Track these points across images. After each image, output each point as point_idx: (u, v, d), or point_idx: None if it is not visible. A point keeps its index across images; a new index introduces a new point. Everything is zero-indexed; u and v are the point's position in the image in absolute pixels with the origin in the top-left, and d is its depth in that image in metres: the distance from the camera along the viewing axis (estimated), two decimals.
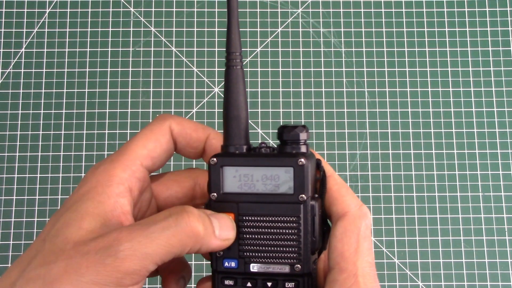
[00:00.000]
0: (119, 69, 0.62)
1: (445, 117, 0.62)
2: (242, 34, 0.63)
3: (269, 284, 0.29)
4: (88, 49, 0.63)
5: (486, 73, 0.63)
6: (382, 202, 0.60)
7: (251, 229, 0.29)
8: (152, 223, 0.25)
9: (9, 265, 0.57)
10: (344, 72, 0.63)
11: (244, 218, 0.29)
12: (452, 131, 0.62)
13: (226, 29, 0.30)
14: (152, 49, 0.63)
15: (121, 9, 0.64)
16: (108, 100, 0.62)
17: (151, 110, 0.62)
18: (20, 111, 0.61)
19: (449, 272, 0.58)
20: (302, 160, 0.28)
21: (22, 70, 0.62)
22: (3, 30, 0.63)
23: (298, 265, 0.29)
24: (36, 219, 0.59)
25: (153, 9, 0.64)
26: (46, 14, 0.63)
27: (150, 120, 0.61)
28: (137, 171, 0.29)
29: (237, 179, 0.29)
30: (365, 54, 0.63)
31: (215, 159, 0.29)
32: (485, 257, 0.59)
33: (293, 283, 0.29)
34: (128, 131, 0.61)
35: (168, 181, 0.32)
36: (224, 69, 0.31)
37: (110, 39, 0.63)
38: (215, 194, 0.29)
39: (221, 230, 0.27)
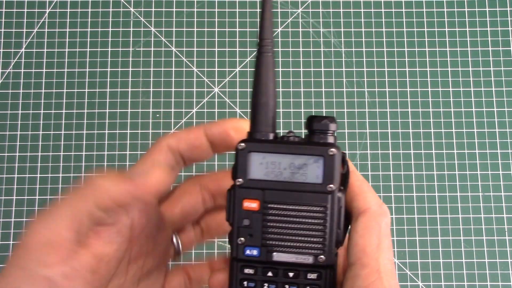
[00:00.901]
0: (119, 69, 0.62)
1: (445, 117, 0.62)
2: (242, 34, 0.63)
3: (291, 274, 0.29)
4: (88, 49, 0.63)
5: (486, 73, 0.63)
6: None
7: (276, 217, 0.28)
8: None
9: None
10: (344, 72, 0.63)
11: (269, 205, 0.28)
12: (452, 131, 0.62)
13: (259, 19, 0.30)
14: (152, 49, 0.63)
15: (121, 9, 0.64)
16: (108, 100, 0.62)
17: (151, 110, 0.62)
18: (20, 111, 0.61)
19: (449, 272, 0.58)
20: (334, 150, 0.28)
21: (22, 70, 0.62)
22: (3, 30, 0.63)
23: (322, 256, 0.28)
24: None
25: (153, 9, 0.64)
26: (46, 14, 0.63)
27: (150, 120, 0.61)
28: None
29: (264, 166, 0.28)
30: (365, 54, 0.63)
31: (243, 144, 0.28)
32: (485, 257, 0.59)
33: (315, 274, 0.28)
34: (128, 131, 0.61)
35: (175, 194, 0.32)
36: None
37: (110, 39, 0.63)
38: (241, 179, 0.28)
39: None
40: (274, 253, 0.28)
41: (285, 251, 0.28)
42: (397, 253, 0.59)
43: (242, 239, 0.29)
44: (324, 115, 0.29)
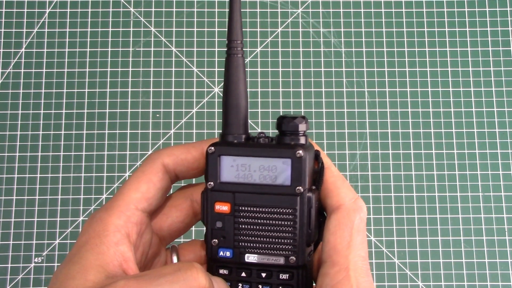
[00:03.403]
0: (119, 69, 0.62)
1: (445, 117, 0.62)
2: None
3: (263, 275, 0.29)
4: (88, 49, 0.63)
5: (486, 73, 0.63)
6: (382, 202, 0.60)
7: (247, 220, 0.29)
8: (160, 275, 0.25)
9: (9, 265, 0.58)
10: (344, 72, 0.63)
11: (240, 208, 0.29)
12: (452, 131, 0.62)
13: (227, 20, 0.30)
14: (152, 49, 0.63)
15: (121, 9, 0.64)
16: (108, 100, 0.62)
17: (151, 110, 0.62)
18: (20, 111, 0.61)
19: (449, 272, 0.58)
20: (300, 152, 0.28)
21: (22, 70, 0.62)
22: (3, 30, 0.63)
23: (293, 257, 0.28)
24: (36, 219, 0.59)
25: (153, 9, 0.64)
26: (46, 14, 0.63)
27: (150, 120, 0.61)
28: (132, 215, 0.28)
29: (235, 168, 0.29)
30: (365, 54, 0.63)
31: (213, 148, 0.29)
32: (485, 257, 0.59)
33: (287, 275, 0.29)
34: (128, 131, 0.61)
35: (166, 209, 0.32)
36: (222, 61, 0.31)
37: (110, 39, 0.63)
38: (211, 183, 0.29)
39: None
40: (246, 255, 0.29)
41: (256, 252, 0.29)
42: (397, 253, 0.59)
43: (216, 240, 0.29)
44: (295, 115, 0.29)
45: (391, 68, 0.63)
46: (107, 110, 0.62)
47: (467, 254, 0.59)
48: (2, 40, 0.63)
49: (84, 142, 0.61)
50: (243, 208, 0.29)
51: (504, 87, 0.63)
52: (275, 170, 0.28)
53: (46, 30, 0.63)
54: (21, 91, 0.62)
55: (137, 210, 0.29)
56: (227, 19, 0.30)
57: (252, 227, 0.29)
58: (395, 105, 0.62)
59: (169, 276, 0.25)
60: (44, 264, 0.58)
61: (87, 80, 0.62)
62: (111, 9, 0.64)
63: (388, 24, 0.64)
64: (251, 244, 0.29)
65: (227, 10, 0.65)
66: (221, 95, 0.62)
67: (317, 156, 0.29)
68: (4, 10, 0.63)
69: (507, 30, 0.64)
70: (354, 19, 0.64)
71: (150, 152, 0.61)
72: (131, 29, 0.63)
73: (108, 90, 0.62)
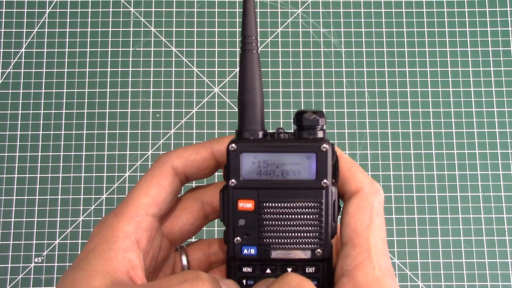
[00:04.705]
0: (119, 69, 0.62)
1: (445, 117, 0.62)
2: None
3: (289, 269, 0.29)
4: (88, 49, 0.63)
5: (486, 73, 0.63)
6: None
7: (272, 216, 0.29)
8: (166, 287, 0.25)
9: (9, 265, 0.58)
10: (344, 72, 0.63)
11: (264, 204, 0.29)
12: (452, 131, 0.62)
13: (242, 16, 0.30)
14: (152, 49, 0.63)
15: (121, 9, 0.64)
16: (108, 100, 0.62)
17: (151, 110, 0.62)
18: (20, 111, 0.61)
19: (449, 272, 0.58)
20: (326, 146, 0.28)
21: (22, 70, 0.62)
22: (3, 30, 0.63)
23: (319, 250, 0.29)
24: (36, 219, 0.59)
25: (153, 9, 0.64)
26: (46, 14, 0.63)
27: (150, 120, 0.61)
28: (142, 221, 0.28)
29: (257, 165, 0.29)
30: (365, 54, 0.63)
31: (234, 145, 0.29)
32: (485, 257, 0.59)
33: (313, 268, 0.29)
34: (128, 131, 0.61)
35: (176, 211, 0.31)
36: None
37: (110, 39, 0.63)
38: (234, 181, 0.29)
39: None
40: (272, 251, 0.29)
41: (282, 248, 0.29)
42: (397, 253, 0.59)
43: (239, 239, 0.29)
44: (312, 109, 0.29)
45: (391, 68, 0.63)
46: (107, 110, 0.62)
47: (467, 254, 0.59)
48: (2, 40, 0.63)
49: (84, 142, 0.61)
50: (268, 204, 0.29)
51: (504, 87, 0.63)
52: (299, 165, 0.28)
53: (46, 30, 0.63)
54: (21, 91, 0.62)
55: (147, 215, 0.28)
56: (242, 15, 0.30)
57: (277, 223, 0.29)
58: (395, 105, 0.62)
59: None
60: (44, 264, 0.58)
61: (87, 80, 0.62)
62: (111, 9, 0.64)
63: (388, 24, 0.64)
64: (277, 240, 0.29)
65: (227, 10, 0.65)
66: (221, 95, 0.62)
67: (332, 150, 0.29)
68: (4, 10, 0.63)
69: (507, 30, 0.64)
70: (354, 19, 0.64)
71: (150, 152, 0.61)
72: (131, 29, 0.63)
73: (108, 90, 0.62)
